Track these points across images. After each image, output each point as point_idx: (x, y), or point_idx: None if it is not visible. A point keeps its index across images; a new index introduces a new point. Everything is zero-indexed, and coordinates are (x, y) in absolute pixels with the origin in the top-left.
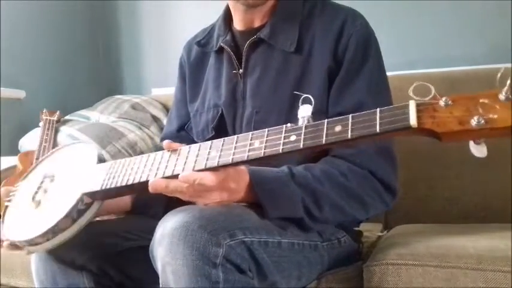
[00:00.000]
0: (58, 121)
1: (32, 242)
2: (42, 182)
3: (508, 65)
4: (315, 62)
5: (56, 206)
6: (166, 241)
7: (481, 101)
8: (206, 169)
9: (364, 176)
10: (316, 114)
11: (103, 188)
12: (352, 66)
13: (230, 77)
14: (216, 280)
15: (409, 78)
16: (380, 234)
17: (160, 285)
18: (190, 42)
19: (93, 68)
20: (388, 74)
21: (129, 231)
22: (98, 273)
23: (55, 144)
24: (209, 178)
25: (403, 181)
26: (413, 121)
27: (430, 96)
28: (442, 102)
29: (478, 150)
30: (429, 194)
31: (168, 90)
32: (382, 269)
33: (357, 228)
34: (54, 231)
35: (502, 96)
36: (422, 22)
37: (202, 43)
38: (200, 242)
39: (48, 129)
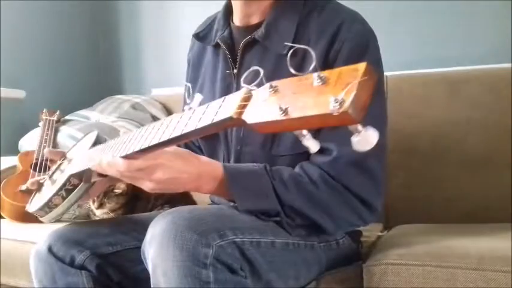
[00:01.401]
0: (58, 121)
1: (37, 213)
2: (61, 164)
3: (508, 65)
4: (307, 67)
5: (56, 184)
6: (156, 243)
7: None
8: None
9: (337, 188)
10: None
11: (84, 169)
12: None
13: (224, 77)
14: (206, 280)
15: (408, 79)
16: (380, 234)
17: (152, 286)
18: (194, 33)
19: (93, 68)
20: (387, 74)
21: (127, 231)
22: (97, 273)
23: (55, 145)
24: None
25: (403, 181)
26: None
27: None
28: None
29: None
30: (429, 194)
31: (168, 91)
32: (382, 269)
33: (356, 229)
34: (49, 206)
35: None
36: (421, 22)
37: (201, 36)
38: (190, 243)
39: (48, 129)
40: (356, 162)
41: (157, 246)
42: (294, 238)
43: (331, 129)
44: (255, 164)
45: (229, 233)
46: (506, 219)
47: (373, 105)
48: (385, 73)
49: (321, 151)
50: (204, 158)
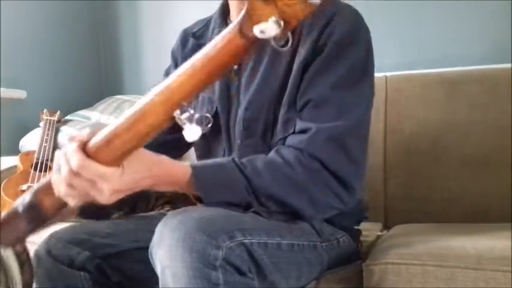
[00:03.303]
0: (58, 121)
1: None
2: None
3: (508, 65)
4: (299, 56)
5: None
6: (166, 244)
7: None
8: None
9: (314, 167)
10: (290, 107)
11: None
12: (325, 60)
13: None
14: (216, 282)
15: (408, 79)
16: (379, 233)
17: (160, 287)
18: (187, 32)
19: (93, 68)
20: (387, 74)
21: (127, 232)
22: (96, 274)
23: (55, 145)
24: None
25: (403, 181)
26: None
27: None
28: None
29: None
30: (429, 194)
31: None
32: (382, 269)
33: (356, 227)
34: None
35: None
36: (422, 22)
37: (197, 35)
38: (199, 245)
39: (48, 129)
40: (334, 139)
41: (167, 247)
42: (299, 239)
43: (312, 109)
44: (223, 158)
45: (238, 234)
46: (506, 219)
47: (357, 87)
48: (385, 73)
49: (300, 131)
50: (166, 161)
